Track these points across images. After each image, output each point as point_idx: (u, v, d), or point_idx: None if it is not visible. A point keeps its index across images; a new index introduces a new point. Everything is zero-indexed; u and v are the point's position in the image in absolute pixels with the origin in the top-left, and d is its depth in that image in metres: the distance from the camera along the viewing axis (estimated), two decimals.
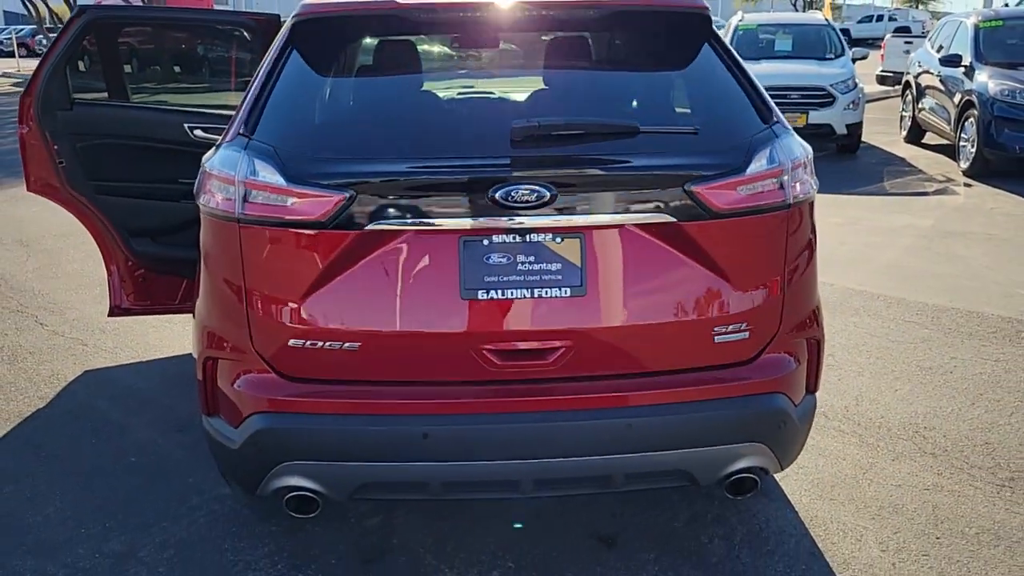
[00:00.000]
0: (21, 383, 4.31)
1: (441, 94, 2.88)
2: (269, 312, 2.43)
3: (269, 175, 2.36)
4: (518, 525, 3.06)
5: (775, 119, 2.57)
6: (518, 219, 2.33)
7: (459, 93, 2.87)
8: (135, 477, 3.44)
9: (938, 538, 3.01)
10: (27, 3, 30.54)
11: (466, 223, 2.34)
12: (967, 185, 9.40)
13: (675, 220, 2.38)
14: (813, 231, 2.62)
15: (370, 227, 2.33)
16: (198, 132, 4.00)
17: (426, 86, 2.96)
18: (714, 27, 2.72)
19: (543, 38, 2.98)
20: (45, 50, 4.02)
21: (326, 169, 2.35)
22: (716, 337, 2.46)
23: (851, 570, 2.85)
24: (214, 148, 2.60)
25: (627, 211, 2.38)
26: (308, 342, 2.40)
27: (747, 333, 2.49)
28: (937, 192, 9.17)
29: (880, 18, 45.96)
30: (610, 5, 2.65)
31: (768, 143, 2.48)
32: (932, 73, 11.28)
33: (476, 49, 3.12)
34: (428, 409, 2.40)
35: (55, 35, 3.94)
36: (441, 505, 3.15)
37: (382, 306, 2.38)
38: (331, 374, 2.44)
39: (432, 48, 2.99)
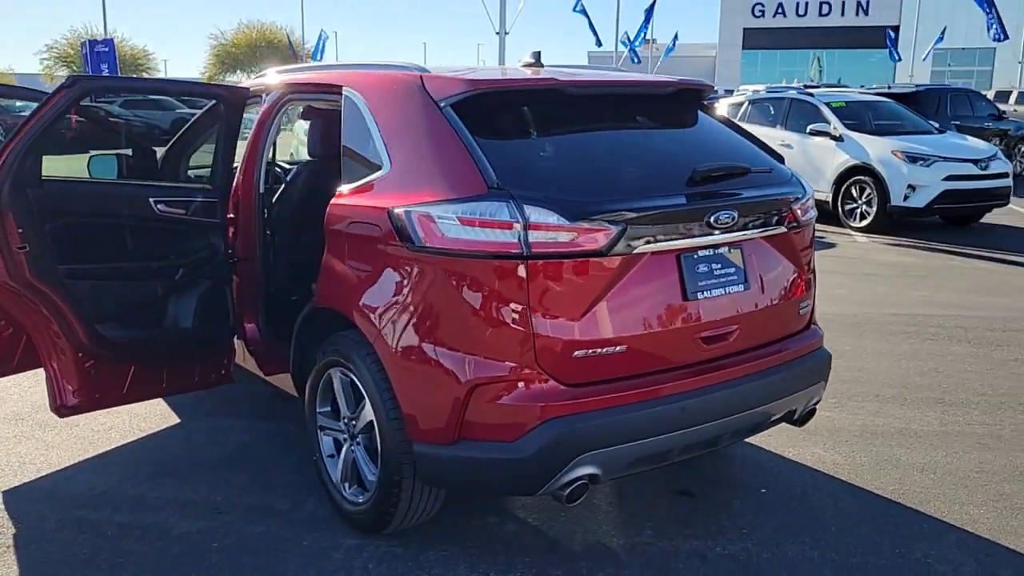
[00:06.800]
0: None
1: (622, 148, 3.49)
2: (554, 330, 2.88)
3: (550, 216, 2.85)
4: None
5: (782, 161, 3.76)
6: (712, 237, 3.16)
7: (629, 147, 3.51)
8: (243, 556, 3.29)
9: (846, 441, 4.45)
10: None
11: (684, 243, 3.10)
12: None
13: (785, 231, 3.42)
14: None
15: (634, 251, 2.96)
16: (161, 206, 3.85)
17: (613, 142, 3.53)
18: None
19: (670, 107, 3.75)
20: None
21: (595, 208, 2.91)
22: (799, 310, 3.55)
23: (826, 464, 4.14)
24: (456, 201, 2.92)
25: (761, 226, 3.35)
26: (589, 351, 2.92)
27: (809, 306, 3.62)
28: None
29: None
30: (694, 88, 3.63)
31: (797, 176, 3.65)
32: None
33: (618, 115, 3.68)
34: (678, 388, 3.07)
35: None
36: (544, 507, 3.68)
37: (638, 313, 3.01)
38: (603, 374, 2.97)
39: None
